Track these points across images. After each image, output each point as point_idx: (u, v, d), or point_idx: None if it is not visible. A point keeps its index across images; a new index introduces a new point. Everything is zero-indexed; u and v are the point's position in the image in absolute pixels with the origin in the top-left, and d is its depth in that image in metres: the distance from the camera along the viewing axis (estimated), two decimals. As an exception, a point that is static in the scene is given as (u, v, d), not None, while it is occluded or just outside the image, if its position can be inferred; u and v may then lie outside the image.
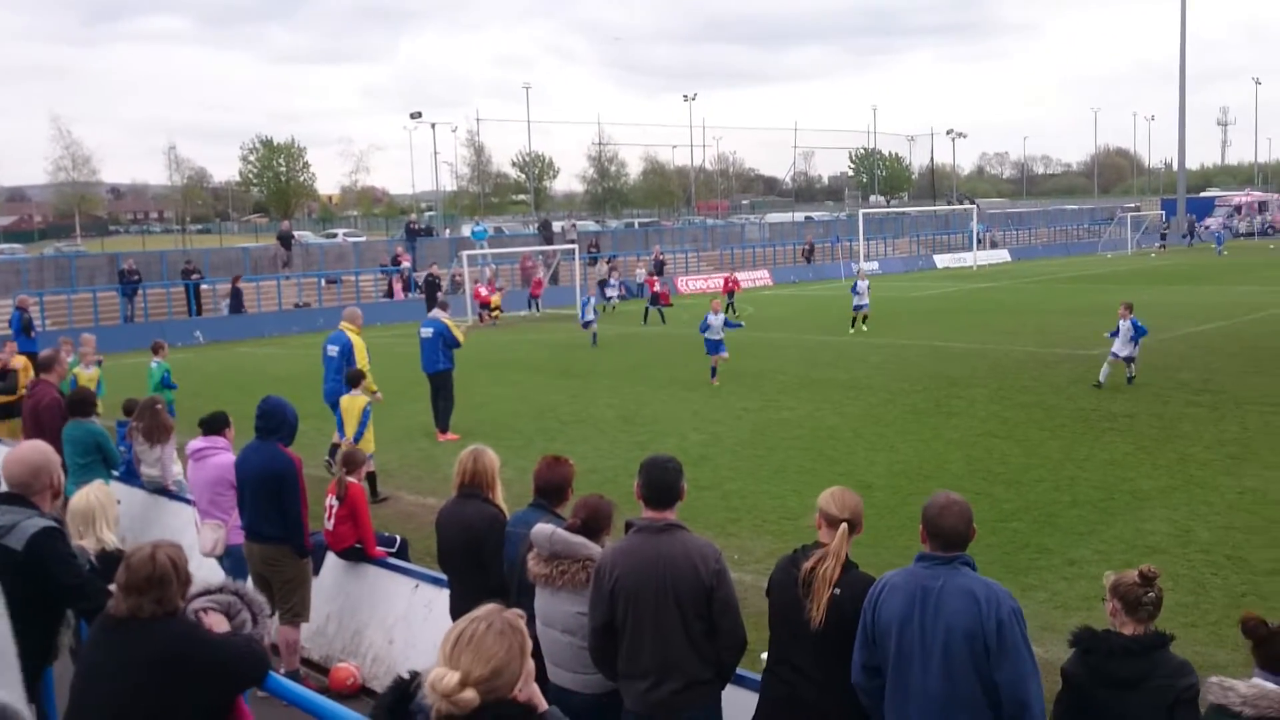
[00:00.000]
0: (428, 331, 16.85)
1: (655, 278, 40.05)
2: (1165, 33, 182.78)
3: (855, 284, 30.09)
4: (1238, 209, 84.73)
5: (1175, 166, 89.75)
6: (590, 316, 29.64)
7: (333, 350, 14.56)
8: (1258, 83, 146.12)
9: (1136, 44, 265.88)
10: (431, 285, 36.30)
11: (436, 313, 17.43)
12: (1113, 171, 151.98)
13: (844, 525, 4.80)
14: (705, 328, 21.55)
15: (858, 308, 29.59)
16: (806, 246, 57.50)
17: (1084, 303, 36.38)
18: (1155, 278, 47.31)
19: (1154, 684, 4.27)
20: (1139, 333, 19.34)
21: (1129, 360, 19.51)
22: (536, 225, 58.33)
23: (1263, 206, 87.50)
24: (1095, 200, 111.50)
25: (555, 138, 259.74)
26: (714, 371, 21.23)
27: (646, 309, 35.54)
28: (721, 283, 39.92)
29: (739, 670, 5.39)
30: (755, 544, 11.05)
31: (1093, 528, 11.28)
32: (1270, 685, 3.74)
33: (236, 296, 36.99)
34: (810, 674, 4.85)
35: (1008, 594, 4.41)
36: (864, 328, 29.41)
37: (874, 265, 56.58)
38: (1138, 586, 4.48)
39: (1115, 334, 19.64)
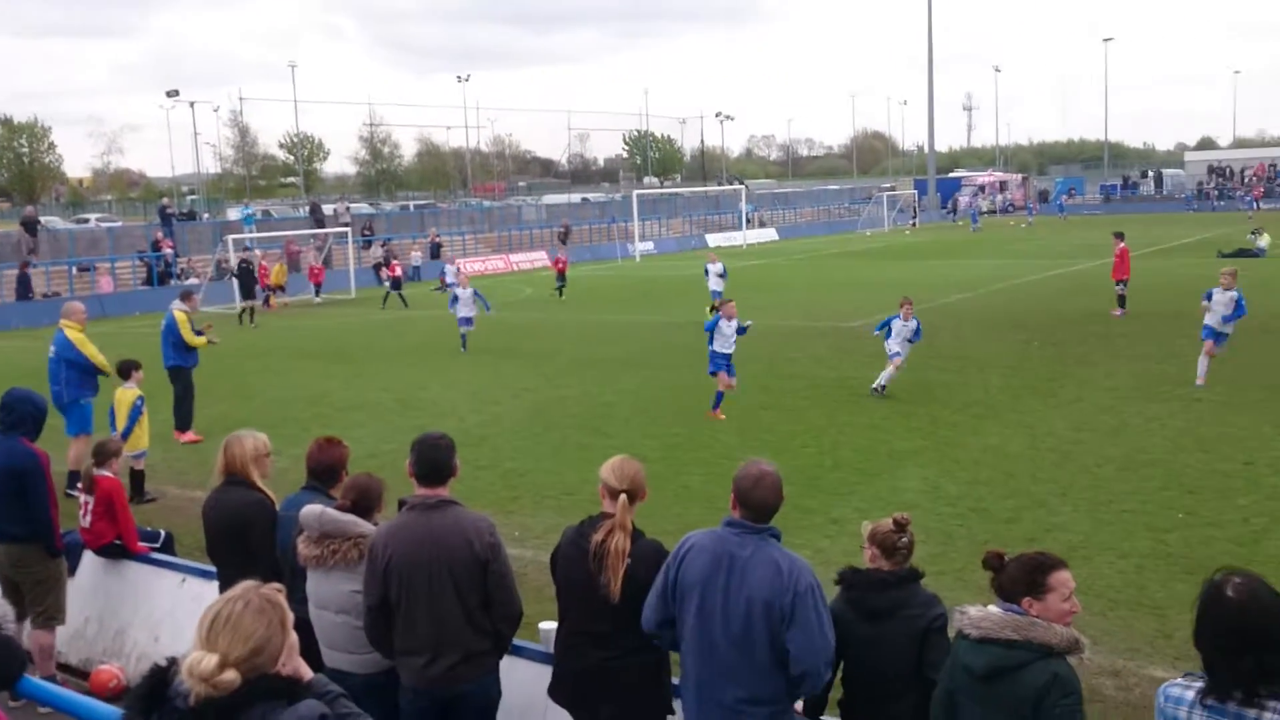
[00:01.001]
0: (165, 322, 15.75)
1: (396, 261, 39.34)
2: (915, 21, 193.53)
3: (706, 268, 29.27)
4: (982, 188, 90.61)
5: (926, 149, 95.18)
6: (466, 312, 23.57)
7: (51, 351, 13.24)
8: (998, 70, 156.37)
9: (889, 31, 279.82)
10: (246, 273, 33.61)
11: (175, 303, 15.98)
12: (870, 153, 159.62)
13: (623, 496, 4.91)
14: (713, 337, 16.26)
15: (715, 294, 27.45)
16: (562, 230, 57.55)
17: (846, 278, 38.24)
18: (910, 253, 50.13)
19: (907, 613, 4.68)
20: (917, 336, 17.35)
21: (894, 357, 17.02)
22: (307, 208, 56.49)
23: (1004, 186, 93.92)
24: (855, 181, 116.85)
25: (325, 118, 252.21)
26: (719, 400, 15.99)
27: (386, 294, 35.03)
28: (554, 264, 38.22)
29: (516, 640, 5.48)
30: (535, 520, 11.16)
31: (853, 488, 11.96)
32: (995, 609, 4.11)
33: (-24, 287, 34.23)
34: (609, 644, 4.96)
35: (809, 569, 4.61)
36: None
37: (649, 245, 57.62)
38: (892, 533, 4.86)
39: (888, 332, 17.11)
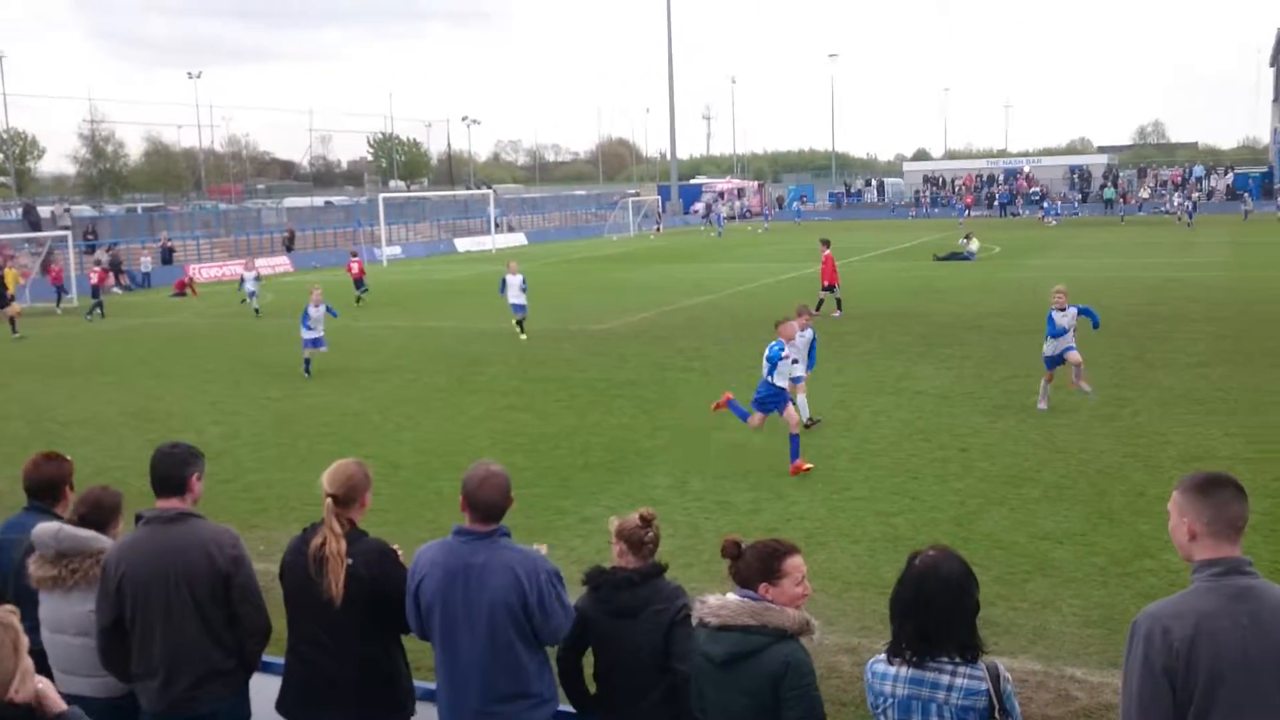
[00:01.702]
0: None
1: (107, 271, 37.18)
2: (657, 31, 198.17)
3: (504, 280, 24.94)
4: (721, 195, 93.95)
5: (668, 156, 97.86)
6: (317, 333, 20.39)
7: None
8: (734, 82, 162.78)
9: (633, 41, 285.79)
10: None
11: None
12: (616, 160, 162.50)
13: (329, 500, 4.85)
14: (775, 366, 12.88)
15: (517, 308, 24.54)
16: (286, 235, 55.81)
17: (594, 282, 38.83)
18: (656, 257, 51.43)
19: (652, 609, 4.78)
20: (810, 363, 15.16)
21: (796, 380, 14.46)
22: (20, 211, 52.26)
23: (741, 193, 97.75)
24: (601, 186, 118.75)
25: (39, 114, 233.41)
26: (796, 449, 12.60)
27: (94, 305, 32.70)
28: (352, 267, 35.28)
29: (266, 657, 5.31)
30: (283, 534, 10.78)
31: (604, 487, 12.21)
32: (733, 596, 4.29)
33: None
34: (334, 650, 4.88)
35: (542, 559, 4.72)
36: (522, 336, 24.30)
37: (396, 249, 56.61)
38: (639, 528, 4.97)
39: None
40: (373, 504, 5.18)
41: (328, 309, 20.71)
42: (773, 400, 12.93)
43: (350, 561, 4.78)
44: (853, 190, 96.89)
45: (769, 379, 12.96)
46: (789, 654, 4.11)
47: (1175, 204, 70.92)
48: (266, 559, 9.58)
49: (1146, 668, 3.48)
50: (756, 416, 13.13)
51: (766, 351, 13.07)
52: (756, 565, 4.29)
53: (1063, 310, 15.38)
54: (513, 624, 4.61)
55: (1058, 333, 15.32)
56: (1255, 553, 9.23)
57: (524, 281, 24.65)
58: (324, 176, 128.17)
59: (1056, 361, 15.47)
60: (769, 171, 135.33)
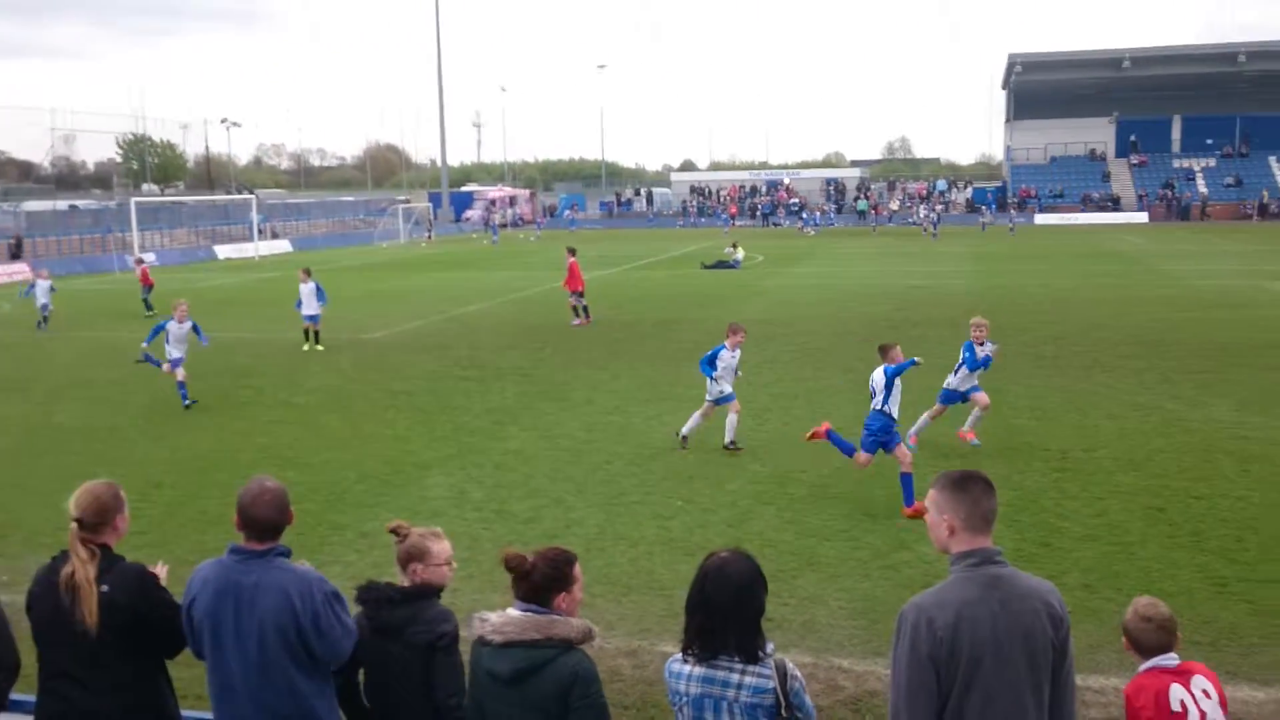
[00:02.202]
0: None
1: None
2: (426, 37, 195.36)
3: (299, 300, 23.91)
4: (493, 203, 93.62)
5: (439, 163, 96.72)
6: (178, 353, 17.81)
7: None
8: (504, 90, 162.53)
9: (402, 45, 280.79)
10: None
11: None
12: (384, 165, 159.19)
13: (73, 525, 4.60)
14: (889, 391, 11.52)
15: (310, 319, 23.56)
16: (13, 242, 52.28)
17: (365, 290, 37.92)
18: (428, 265, 50.73)
19: (414, 629, 4.62)
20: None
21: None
22: None
23: (513, 200, 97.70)
24: (369, 193, 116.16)
25: None
26: (908, 490, 11.16)
27: None
28: (140, 273, 32.68)
29: (15, 695, 4.96)
30: (29, 561, 10.05)
31: (380, 499, 11.96)
32: (515, 612, 4.23)
33: None
34: (92, 683, 4.62)
35: (321, 580, 4.57)
36: (318, 346, 23.47)
37: (151, 256, 53.62)
38: (395, 542, 4.85)
39: (712, 369, 13.96)
40: (132, 526, 4.91)
41: (194, 328, 18.09)
42: (885, 434, 11.43)
43: (104, 588, 4.53)
44: (623, 199, 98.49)
45: (883, 408, 11.45)
46: (576, 664, 4.13)
47: (922, 216, 75.57)
48: (11, 589, 8.91)
49: (914, 656, 3.73)
50: (863, 456, 11.63)
51: (878, 377, 11.57)
52: (553, 575, 4.26)
53: (982, 344, 13.87)
54: (284, 645, 4.47)
55: (977, 365, 13.80)
56: (1000, 541, 9.99)
57: (319, 289, 23.79)
58: (68, 178, 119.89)
59: (956, 398, 13.99)
60: (540, 180, 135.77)
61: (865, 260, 47.92)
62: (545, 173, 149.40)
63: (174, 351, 17.59)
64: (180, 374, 17.40)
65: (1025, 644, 3.76)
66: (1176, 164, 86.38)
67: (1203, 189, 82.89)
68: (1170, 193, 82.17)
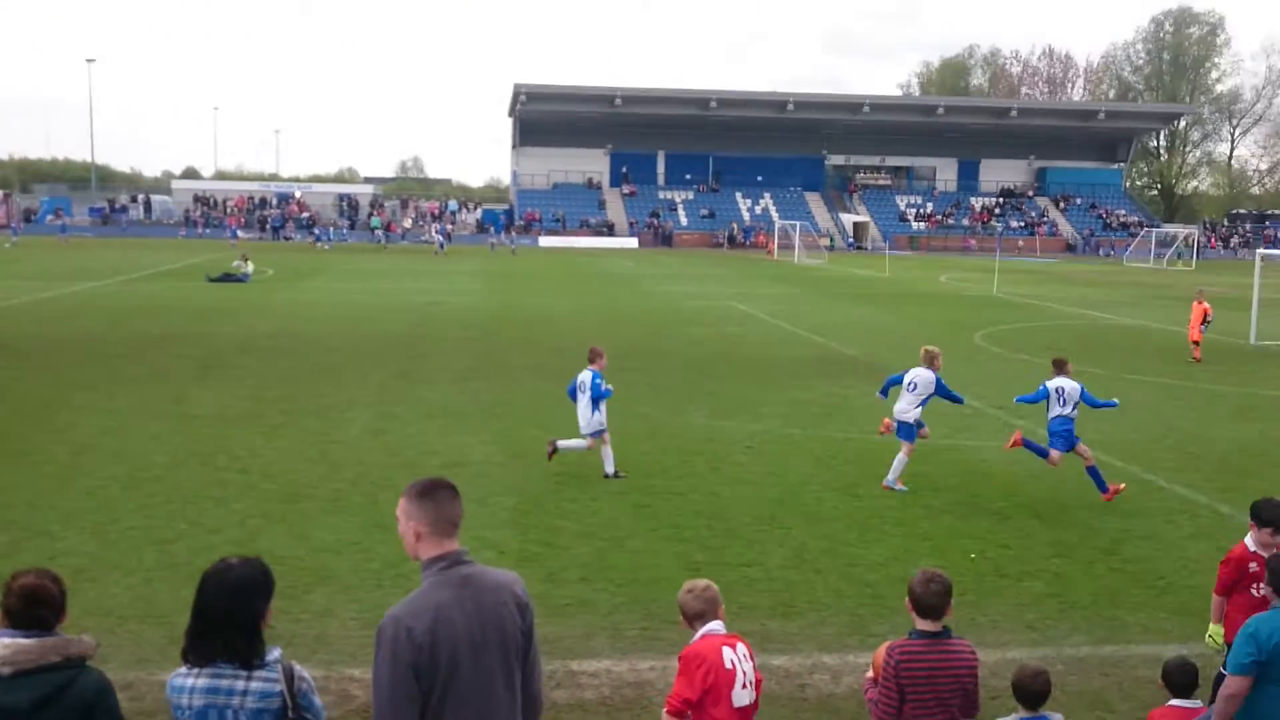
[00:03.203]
0: None
1: None
2: None
3: None
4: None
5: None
6: None
7: None
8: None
9: None
10: None
11: None
12: None
13: None
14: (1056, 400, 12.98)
15: None
16: None
17: None
18: None
19: None
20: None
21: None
22: None
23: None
24: None
25: None
26: (1100, 481, 12.83)
27: None
28: None
29: None
30: None
31: None
32: (22, 639, 4.00)
33: None
34: None
35: None
36: None
37: None
38: None
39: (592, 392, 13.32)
40: None
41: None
42: (1068, 434, 12.90)
43: None
44: (118, 206, 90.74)
45: (1065, 413, 12.86)
46: (97, 680, 4.07)
47: (434, 234, 76.90)
48: None
49: (395, 667, 3.90)
50: (1055, 454, 12.92)
51: (1070, 386, 12.93)
52: (60, 601, 4.15)
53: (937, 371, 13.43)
54: None
55: (950, 397, 13.60)
56: (506, 543, 10.59)
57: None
58: None
59: (914, 432, 13.29)
60: (16, 180, 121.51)
61: (380, 277, 47.95)
62: (22, 173, 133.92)
63: None
64: None
65: (499, 635, 4.07)
66: (662, 195, 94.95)
67: (683, 219, 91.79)
68: (656, 221, 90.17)
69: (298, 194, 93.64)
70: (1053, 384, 12.95)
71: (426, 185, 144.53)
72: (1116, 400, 14.23)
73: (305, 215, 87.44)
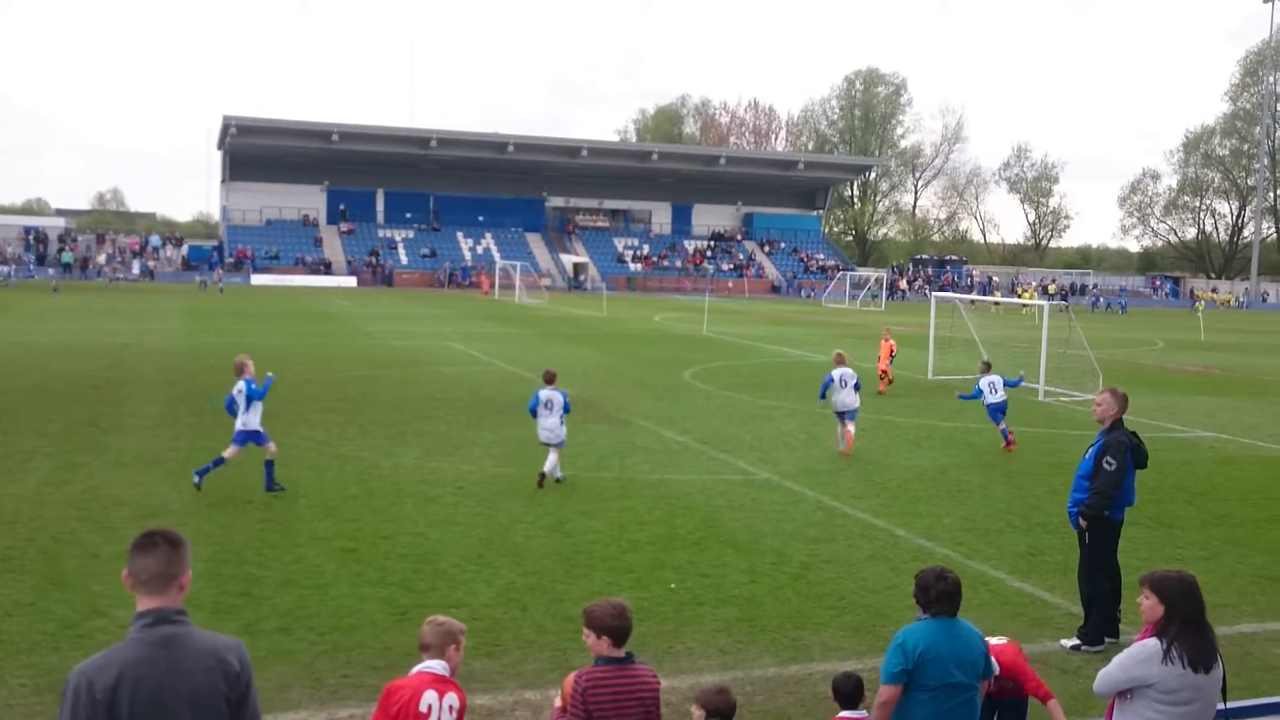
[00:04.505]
0: None
1: None
2: None
3: None
4: None
5: None
6: None
7: None
8: None
9: None
10: None
11: None
12: None
13: None
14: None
15: None
16: None
17: None
18: None
19: None
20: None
21: None
22: None
23: None
24: None
25: None
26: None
27: None
28: None
29: None
30: None
31: None
32: None
33: None
34: None
35: None
36: None
37: None
38: None
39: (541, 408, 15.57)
40: None
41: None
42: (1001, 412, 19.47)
43: None
44: None
45: (997, 400, 19.31)
46: None
47: (135, 271, 72.51)
48: None
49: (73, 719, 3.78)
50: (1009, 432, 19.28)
51: (985, 387, 19.38)
52: None
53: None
54: None
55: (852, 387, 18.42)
56: (200, 595, 10.12)
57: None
58: None
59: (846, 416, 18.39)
60: None
61: (64, 316, 44.63)
62: None
63: None
64: None
65: (192, 703, 3.93)
66: (381, 233, 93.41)
67: (404, 258, 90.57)
68: (375, 259, 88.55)
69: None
70: (984, 381, 19.19)
71: (128, 219, 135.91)
72: (1022, 376, 22.58)
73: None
